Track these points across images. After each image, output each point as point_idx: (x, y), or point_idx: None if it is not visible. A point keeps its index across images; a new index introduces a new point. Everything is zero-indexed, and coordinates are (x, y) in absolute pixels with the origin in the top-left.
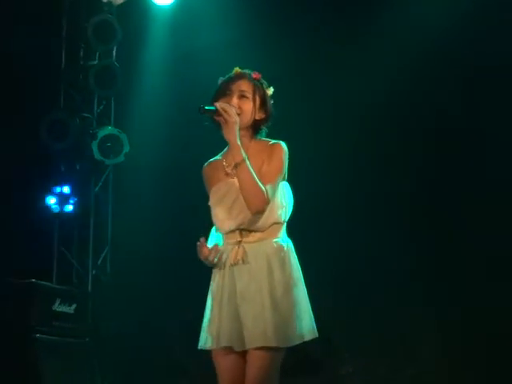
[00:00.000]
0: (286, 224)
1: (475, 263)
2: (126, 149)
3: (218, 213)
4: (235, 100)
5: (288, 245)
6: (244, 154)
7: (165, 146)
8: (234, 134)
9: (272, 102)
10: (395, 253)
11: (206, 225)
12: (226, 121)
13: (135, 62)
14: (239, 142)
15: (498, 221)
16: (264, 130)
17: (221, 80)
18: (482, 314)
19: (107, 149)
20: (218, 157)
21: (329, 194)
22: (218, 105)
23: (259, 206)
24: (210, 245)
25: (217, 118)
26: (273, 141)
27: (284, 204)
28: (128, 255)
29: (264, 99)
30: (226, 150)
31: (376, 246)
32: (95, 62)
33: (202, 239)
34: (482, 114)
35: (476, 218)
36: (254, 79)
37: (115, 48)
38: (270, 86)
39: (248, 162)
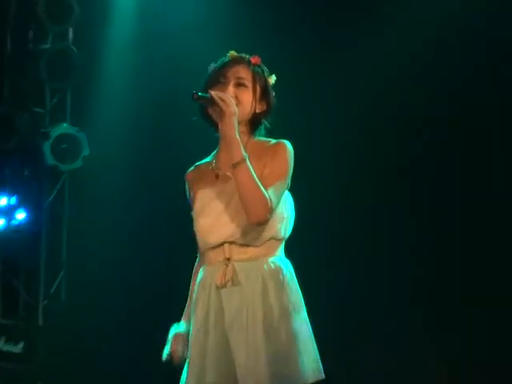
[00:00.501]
0: (285, 241)
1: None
2: (86, 151)
3: (203, 222)
4: (231, 89)
5: (287, 266)
6: (244, 152)
7: (132, 148)
8: (233, 126)
9: (274, 93)
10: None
11: (182, 245)
12: (222, 111)
13: (96, 46)
14: (238, 137)
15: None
16: (264, 125)
17: (212, 67)
18: (485, 340)
19: (62, 151)
20: (206, 160)
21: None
22: (214, 93)
23: (262, 215)
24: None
25: (211, 108)
26: (274, 140)
27: (285, 216)
28: (87, 281)
29: (265, 89)
30: (215, 151)
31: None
32: (47, 46)
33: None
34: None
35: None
36: (254, 65)
37: (71, 29)
38: (271, 74)
39: (249, 162)
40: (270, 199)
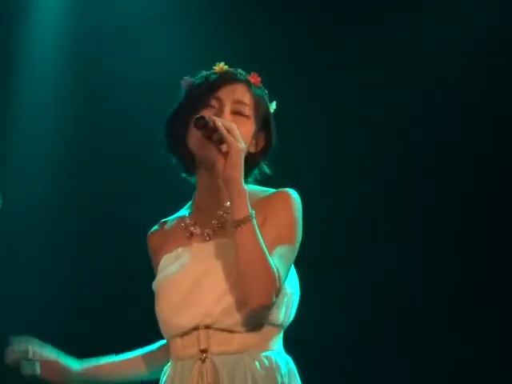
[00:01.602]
0: (284, 330)
1: None
2: None
3: (167, 298)
4: (229, 116)
5: (287, 363)
6: (250, 208)
7: (57, 200)
8: (240, 168)
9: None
10: None
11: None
12: (228, 145)
13: (7, 48)
14: (244, 185)
15: None
16: (261, 167)
17: (187, 82)
18: None
19: None
20: (176, 215)
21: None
22: (218, 119)
23: (267, 297)
24: None
25: (203, 142)
26: (270, 190)
27: (288, 293)
28: None
29: (267, 120)
30: (189, 204)
31: None
32: None
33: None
34: None
35: None
36: (254, 86)
37: None
38: (271, 101)
39: (255, 222)
40: (279, 274)
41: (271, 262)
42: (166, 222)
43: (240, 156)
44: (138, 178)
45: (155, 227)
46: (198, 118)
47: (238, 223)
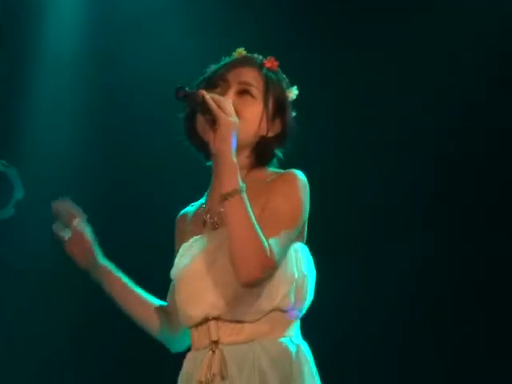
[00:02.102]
0: (300, 316)
1: None
2: (19, 194)
3: (181, 289)
4: (232, 97)
5: (300, 350)
6: (241, 181)
7: (80, 190)
8: (229, 142)
9: (293, 113)
10: None
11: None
12: (217, 119)
13: (27, 41)
14: (235, 158)
15: None
16: (276, 155)
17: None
18: None
19: None
20: (200, 201)
21: None
22: (206, 94)
23: (255, 270)
24: None
25: (200, 118)
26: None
27: (296, 278)
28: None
29: (281, 104)
30: (209, 189)
31: None
32: None
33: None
34: None
35: None
36: (268, 69)
37: None
38: (292, 86)
39: (245, 195)
40: (271, 249)
41: (260, 235)
42: (189, 209)
43: (229, 129)
44: (158, 171)
45: (181, 212)
46: (177, 88)
47: (225, 196)
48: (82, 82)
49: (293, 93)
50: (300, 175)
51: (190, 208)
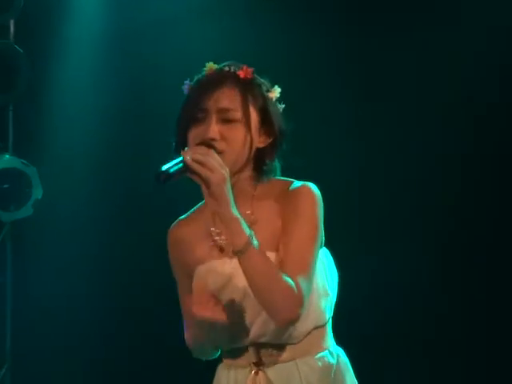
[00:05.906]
0: (331, 320)
1: None
2: (38, 193)
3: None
4: (215, 128)
5: (340, 359)
6: (248, 233)
7: (97, 189)
8: (224, 199)
9: (281, 108)
10: None
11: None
12: (206, 181)
13: (48, 45)
14: (236, 213)
15: None
16: (275, 163)
17: (187, 87)
18: None
19: (4, 194)
20: (194, 210)
21: None
22: (188, 156)
23: (290, 314)
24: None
25: (192, 176)
26: (294, 183)
27: (328, 289)
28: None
29: (265, 112)
30: (201, 204)
31: None
32: None
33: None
34: None
35: None
36: (243, 81)
37: (13, 21)
38: (273, 86)
39: (256, 243)
40: (299, 287)
41: (284, 278)
42: (189, 219)
43: (222, 187)
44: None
45: (176, 222)
46: (156, 176)
47: (239, 253)
48: (104, 83)
49: (276, 92)
50: (314, 189)
51: (183, 219)
